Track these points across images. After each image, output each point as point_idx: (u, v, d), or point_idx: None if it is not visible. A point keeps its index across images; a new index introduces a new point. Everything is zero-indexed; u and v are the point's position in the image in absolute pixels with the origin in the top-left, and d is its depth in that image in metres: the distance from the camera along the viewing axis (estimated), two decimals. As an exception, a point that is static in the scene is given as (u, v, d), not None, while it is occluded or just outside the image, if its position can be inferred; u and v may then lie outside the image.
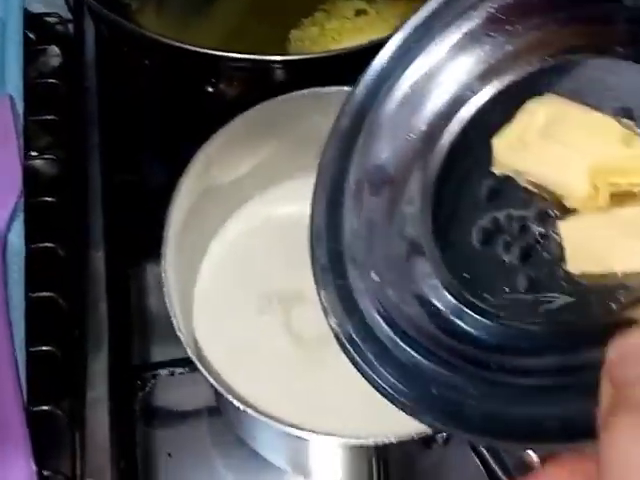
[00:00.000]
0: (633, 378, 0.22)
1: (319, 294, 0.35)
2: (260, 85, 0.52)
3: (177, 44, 0.49)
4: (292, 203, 0.49)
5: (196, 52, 0.49)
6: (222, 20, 0.62)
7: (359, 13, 0.62)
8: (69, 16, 0.67)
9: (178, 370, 0.49)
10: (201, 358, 0.39)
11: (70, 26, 0.67)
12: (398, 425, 0.37)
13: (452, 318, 0.33)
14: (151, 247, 0.55)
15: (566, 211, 0.32)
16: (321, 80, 0.51)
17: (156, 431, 0.50)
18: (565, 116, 0.33)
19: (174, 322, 0.37)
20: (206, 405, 0.49)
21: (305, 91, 0.44)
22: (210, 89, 0.53)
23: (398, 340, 0.33)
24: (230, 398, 0.36)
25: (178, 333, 0.37)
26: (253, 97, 0.53)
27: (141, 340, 0.52)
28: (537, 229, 0.33)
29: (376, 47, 0.49)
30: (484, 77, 0.37)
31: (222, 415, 0.47)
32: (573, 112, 0.33)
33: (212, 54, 0.49)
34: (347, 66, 0.51)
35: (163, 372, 0.49)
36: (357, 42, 0.60)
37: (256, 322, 0.45)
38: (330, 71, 0.51)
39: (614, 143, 0.32)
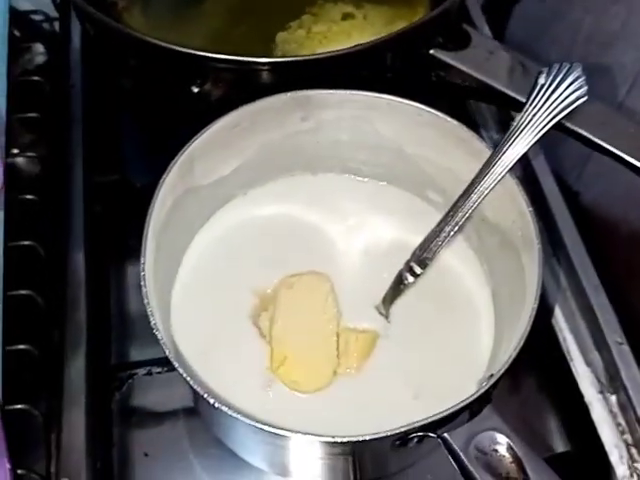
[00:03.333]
0: None
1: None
2: (245, 86, 0.52)
3: (162, 44, 0.49)
4: (272, 204, 0.49)
5: (181, 52, 0.48)
6: (209, 21, 0.62)
7: (346, 17, 0.63)
8: (55, 14, 0.67)
9: (156, 370, 0.49)
10: (178, 358, 0.39)
11: (56, 24, 0.67)
12: (374, 424, 0.37)
13: None
14: (132, 245, 0.55)
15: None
16: (305, 82, 0.51)
17: (133, 431, 0.49)
18: None
19: (152, 323, 0.37)
20: (183, 406, 0.49)
21: (288, 94, 0.44)
22: (195, 89, 0.53)
23: None
24: (207, 397, 0.35)
25: (157, 334, 0.37)
26: (238, 97, 0.53)
27: (119, 339, 0.51)
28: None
29: (359, 52, 0.50)
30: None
31: (199, 416, 0.47)
32: None
33: (196, 54, 0.48)
34: (331, 69, 0.51)
35: (141, 372, 0.49)
36: (343, 46, 0.61)
37: (232, 322, 0.44)
38: (314, 74, 0.51)
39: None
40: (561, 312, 0.51)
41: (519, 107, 0.52)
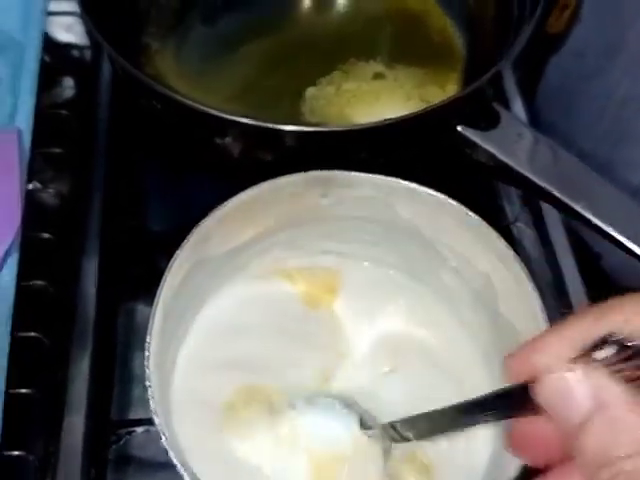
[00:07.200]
0: None
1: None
2: (267, 145, 0.52)
3: (184, 101, 0.49)
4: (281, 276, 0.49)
5: (201, 111, 0.48)
6: (240, 69, 0.62)
7: (377, 77, 0.62)
8: (86, 42, 0.67)
9: (154, 429, 0.49)
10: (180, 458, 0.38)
11: (86, 52, 0.67)
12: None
13: None
14: (144, 288, 0.55)
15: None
16: (330, 148, 0.51)
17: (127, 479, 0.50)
18: None
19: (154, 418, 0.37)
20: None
21: (311, 174, 0.44)
22: (219, 141, 0.53)
23: None
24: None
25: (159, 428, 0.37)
26: (260, 154, 0.53)
27: (122, 393, 0.51)
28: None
29: (389, 126, 0.49)
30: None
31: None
32: None
33: (218, 116, 0.48)
34: (356, 140, 0.51)
35: (139, 429, 0.49)
36: (372, 107, 0.61)
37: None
38: (340, 142, 0.51)
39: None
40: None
41: (543, 195, 0.51)
